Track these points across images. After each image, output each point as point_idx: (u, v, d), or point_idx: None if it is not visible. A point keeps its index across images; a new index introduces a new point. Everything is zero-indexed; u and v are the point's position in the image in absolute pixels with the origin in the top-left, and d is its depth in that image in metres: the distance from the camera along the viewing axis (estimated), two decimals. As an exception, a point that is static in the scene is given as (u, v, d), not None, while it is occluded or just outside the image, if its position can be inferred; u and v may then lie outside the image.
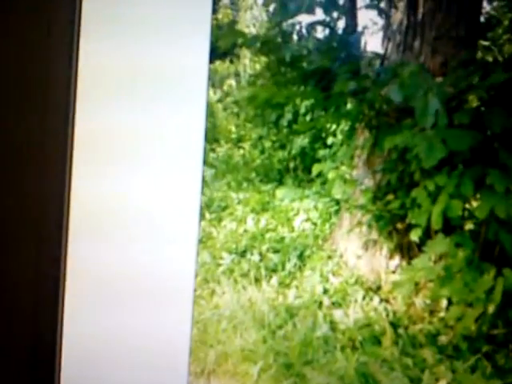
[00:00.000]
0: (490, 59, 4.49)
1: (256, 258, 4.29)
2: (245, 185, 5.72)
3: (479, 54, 4.38)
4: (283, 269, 4.17)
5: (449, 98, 3.37)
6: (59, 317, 0.81)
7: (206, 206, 5.02)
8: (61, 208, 0.80)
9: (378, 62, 4.35)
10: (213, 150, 6.44)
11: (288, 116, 5.65)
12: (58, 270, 0.80)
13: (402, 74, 3.57)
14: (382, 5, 5.20)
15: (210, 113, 6.40)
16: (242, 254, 4.37)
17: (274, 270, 4.16)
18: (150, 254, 0.83)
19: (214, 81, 6.76)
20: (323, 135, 5.31)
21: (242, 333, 3.37)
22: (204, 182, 5.44)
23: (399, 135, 3.47)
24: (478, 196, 3.37)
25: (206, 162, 5.80)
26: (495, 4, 5.08)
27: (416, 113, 3.33)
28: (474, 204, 3.44)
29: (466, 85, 3.38)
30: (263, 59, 5.63)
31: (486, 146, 3.30)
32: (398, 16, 4.12)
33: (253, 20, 7.09)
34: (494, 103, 3.36)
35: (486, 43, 4.61)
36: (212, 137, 6.46)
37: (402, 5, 4.10)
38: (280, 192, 5.21)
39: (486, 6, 4.95)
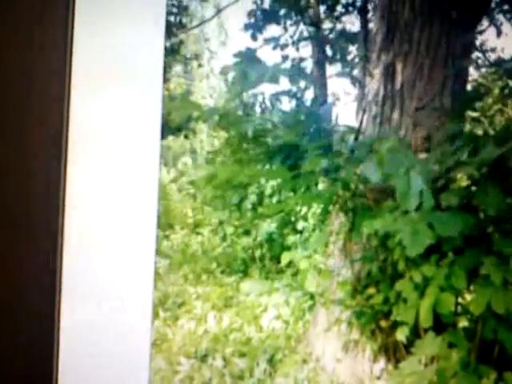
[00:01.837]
0: (480, 132, 4.59)
1: (219, 363, 4.24)
2: (204, 277, 5.70)
3: (467, 127, 4.48)
4: (251, 376, 4.12)
5: (434, 177, 3.43)
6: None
7: (159, 303, 4.97)
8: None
9: (351, 137, 4.43)
10: (166, 237, 6.42)
11: (252, 198, 5.72)
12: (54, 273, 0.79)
13: (380, 150, 3.63)
14: (356, 72, 5.34)
15: (163, 195, 6.42)
16: (203, 358, 4.32)
17: (241, 378, 4.10)
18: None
19: (167, 159, 6.81)
20: (293, 219, 5.36)
21: None
22: (157, 274, 5.38)
23: (379, 219, 3.51)
24: (472, 288, 3.39)
25: (158, 252, 5.76)
26: (483, 70, 5.24)
27: (397, 194, 3.38)
28: (468, 298, 3.45)
29: (453, 161, 3.44)
30: (222, 134, 5.71)
31: (479, 231, 3.34)
32: (373, 85, 4.23)
33: (210, 90, 7.20)
34: (486, 182, 3.41)
35: (474, 114, 4.72)
36: (165, 222, 6.45)
37: (377, 72, 4.21)
38: (245, 285, 5.20)
39: (474, 73, 5.10)
